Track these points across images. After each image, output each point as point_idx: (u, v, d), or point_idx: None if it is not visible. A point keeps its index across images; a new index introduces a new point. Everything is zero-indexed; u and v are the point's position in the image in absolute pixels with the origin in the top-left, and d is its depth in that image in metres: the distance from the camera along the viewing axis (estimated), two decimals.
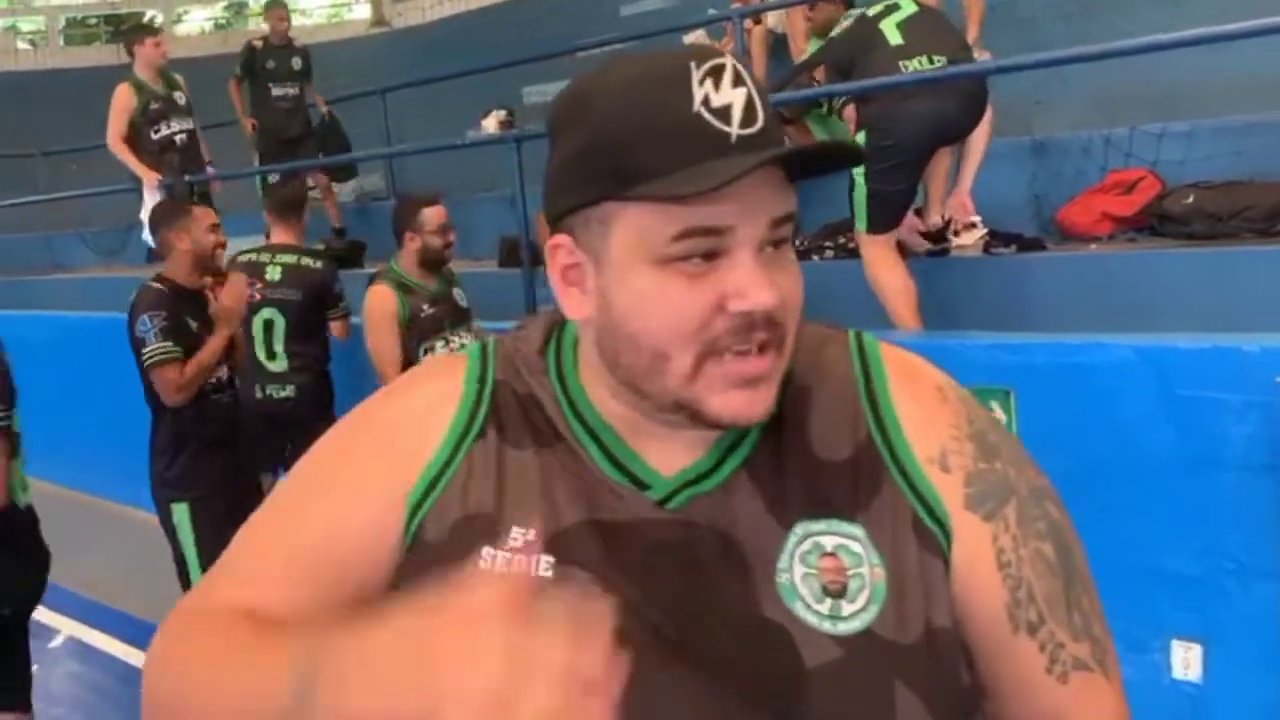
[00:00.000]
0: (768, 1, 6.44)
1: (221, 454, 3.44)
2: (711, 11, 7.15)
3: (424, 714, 0.53)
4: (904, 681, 0.72)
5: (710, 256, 0.71)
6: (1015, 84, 4.17)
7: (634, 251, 0.72)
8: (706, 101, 0.70)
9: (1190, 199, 4.09)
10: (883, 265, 3.67)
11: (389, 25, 14.90)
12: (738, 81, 0.71)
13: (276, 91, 7.01)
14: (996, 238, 4.35)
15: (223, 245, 3.55)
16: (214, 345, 3.39)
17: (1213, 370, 2.62)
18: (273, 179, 6.50)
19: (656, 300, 0.72)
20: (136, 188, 6.26)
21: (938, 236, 4.21)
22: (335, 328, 4.20)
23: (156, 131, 6.13)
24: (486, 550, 0.76)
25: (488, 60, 8.19)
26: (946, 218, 4.21)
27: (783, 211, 0.73)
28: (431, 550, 0.78)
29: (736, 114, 0.70)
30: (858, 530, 0.76)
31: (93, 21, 19.53)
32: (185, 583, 3.41)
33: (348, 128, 7.56)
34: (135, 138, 6.13)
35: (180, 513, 3.38)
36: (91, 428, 5.66)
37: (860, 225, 3.71)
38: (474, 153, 6.78)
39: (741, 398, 0.73)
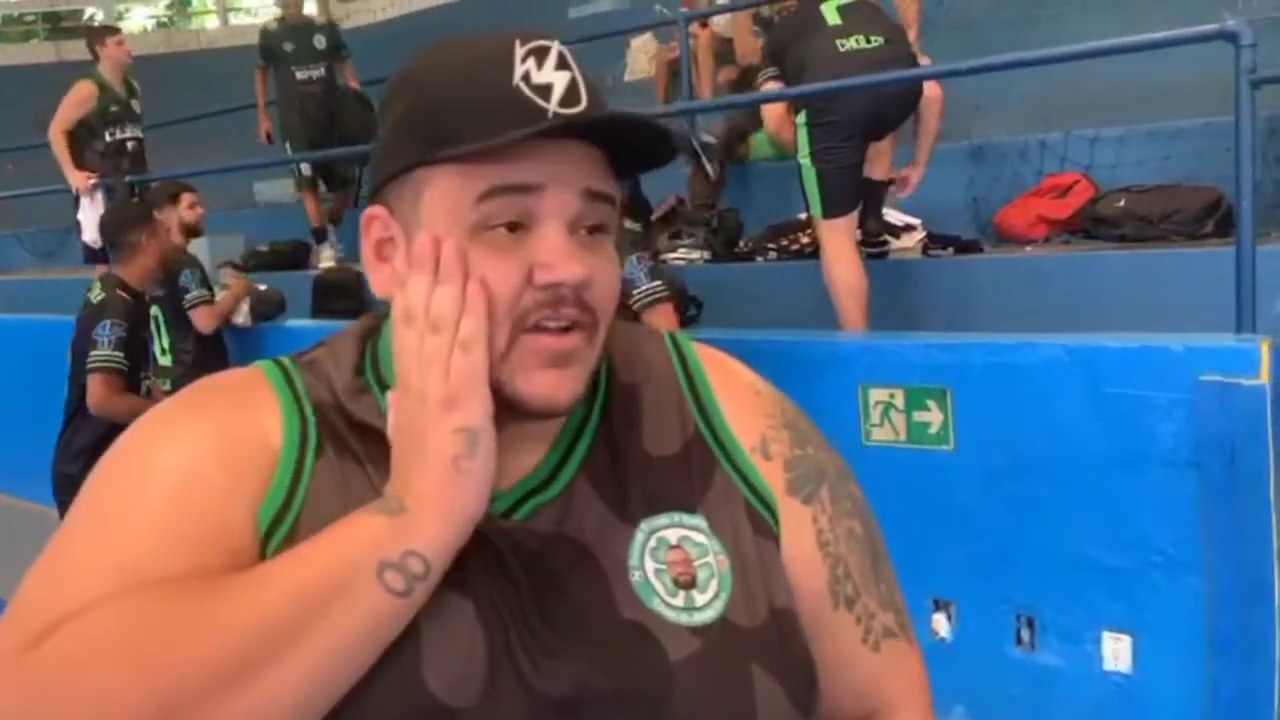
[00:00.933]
0: (715, 5, 6.48)
1: None
2: (659, 8, 7.17)
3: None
4: (758, 664, 0.74)
5: (517, 228, 0.70)
6: (954, 89, 4.24)
7: (443, 218, 0.70)
8: (527, 78, 0.70)
9: (1122, 202, 4.20)
10: (840, 259, 3.69)
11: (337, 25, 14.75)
12: (562, 65, 0.71)
13: (300, 75, 6.55)
14: (935, 240, 4.43)
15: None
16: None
17: (1140, 369, 2.69)
18: (306, 169, 6.35)
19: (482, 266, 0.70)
20: (69, 189, 6.13)
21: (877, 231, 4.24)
22: (196, 319, 4.15)
23: (112, 135, 5.99)
24: None
25: None
26: (892, 181, 4.19)
27: (599, 186, 0.72)
28: None
29: (557, 93, 0.70)
30: (699, 521, 0.77)
31: (30, 19, 19.12)
32: None
33: None
34: (85, 136, 5.98)
35: None
36: (23, 430, 5.54)
37: (815, 209, 3.73)
38: None
39: (549, 378, 0.71)
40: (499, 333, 0.70)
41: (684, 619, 0.74)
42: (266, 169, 8.45)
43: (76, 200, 6.06)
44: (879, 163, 3.96)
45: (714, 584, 0.75)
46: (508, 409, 0.72)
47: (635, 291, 3.22)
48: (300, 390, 0.78)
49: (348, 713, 0.67)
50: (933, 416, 3.00)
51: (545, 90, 0.70)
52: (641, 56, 8.14)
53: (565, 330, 0.71)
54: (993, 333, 3.21)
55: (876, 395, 3.09)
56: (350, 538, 0.68)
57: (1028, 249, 4.39)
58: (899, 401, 3.05)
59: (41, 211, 9.28)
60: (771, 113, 4.01)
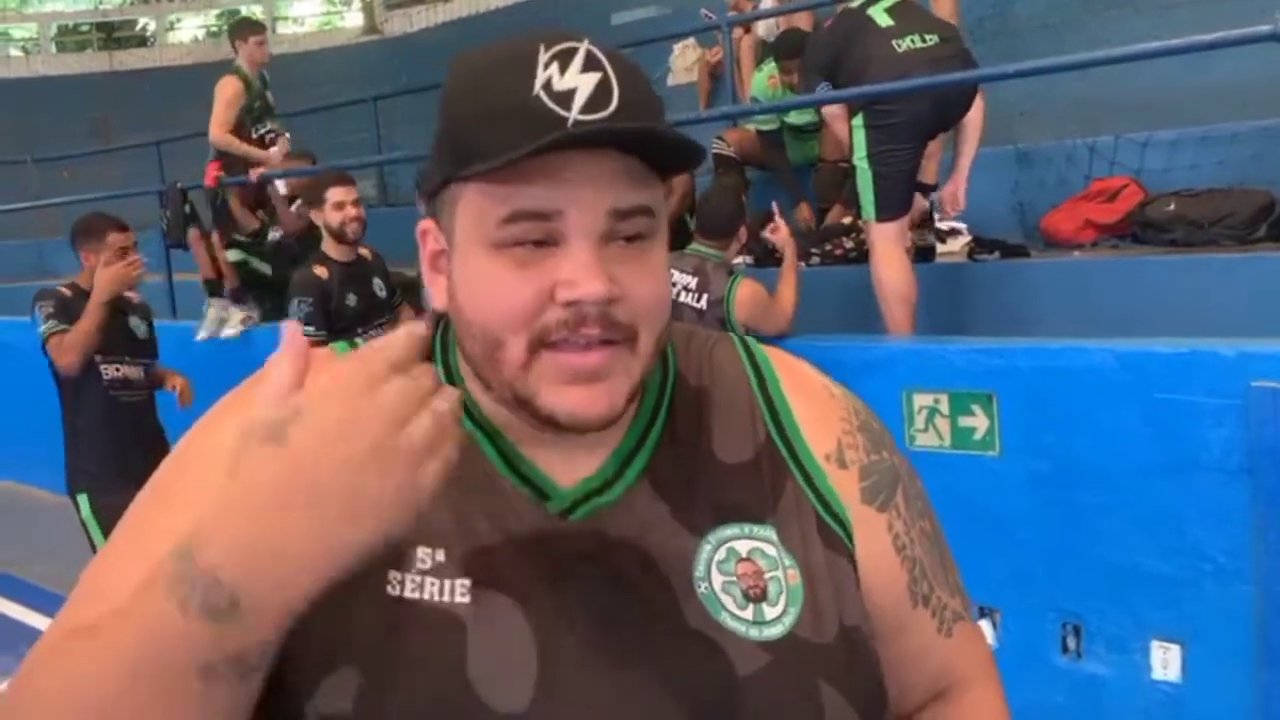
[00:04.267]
0: (759, 10, 6.48)
1: (128, 450, 3.50)
2: (704, 12, 7.18)
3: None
4: (827, 681, 0.72)
5: (543, 244, 0.68)
6: (1000, 94, 4.21)
7: (471, 235, 0.70)
8: (548, 85, 0.67)
9: (1172, 206, 4.14)
10: (889, 263, 3.66)
11: (380, 33, 14.92)
12: (590, 66, 0.68)
13: None
14: (981, 244, 4.40)
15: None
16: (90, 309, 3.48)
17: (1190, 374, 2.66)
18: None
19: (488, 285, 0.69)
20: (239, 179, 5.94)
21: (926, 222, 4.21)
22: None
23: (256, 130, 5.97)
24: (392, 575, 0.70)
25: None
26: (939, 201, 4.16)
27: (627, 203, 0.69)
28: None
29: (580, 99, 0.67)
30: (769, 533, 0.75)
31: (85, 29, 19.52)
32: None
33: (338, 135, 7.55)
34: (235, 132, 5.92)
35: (83, 504, 3.51)
36: None
37: (868, 212, 3.70)
38: None
39: (577, 394, 0.69)
40: (516, 345, 0.69)
41: (753, 633, 0.72)
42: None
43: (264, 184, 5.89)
44: (928, 164, 3.94)
45: (784, 598, 0.73)
46: (543, 423, 0.71)
47: None
48: None
49: (390, 714, 0.67)
50: (978, 422, 2.98)
51: (567, 97, 0.67)
52: (684, 61, 8.15)
53: (589, 347, 0.69)
54: (1040, 338, 3.18)
55: (920, 400, 3.08)
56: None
57: (1075, 254, 4.35)
58: (944, 406, 3.04)
59: None
60: (840, 122, 3.93)
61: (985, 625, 3.03)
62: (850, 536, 0.78)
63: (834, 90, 3.80)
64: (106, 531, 3.31)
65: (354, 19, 17.12)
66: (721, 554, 0.74)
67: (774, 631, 0.72)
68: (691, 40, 8.04)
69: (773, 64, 5.38)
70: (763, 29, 6.40)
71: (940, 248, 4.44)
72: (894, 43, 3.61)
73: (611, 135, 0.67)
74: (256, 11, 20.15)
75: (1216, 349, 2.64)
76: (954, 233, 4.51)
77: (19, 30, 20.13)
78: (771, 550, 0.75)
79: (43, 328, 3.52)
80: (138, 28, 19.66)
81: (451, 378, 0.78)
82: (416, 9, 14.05)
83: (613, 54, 0.70)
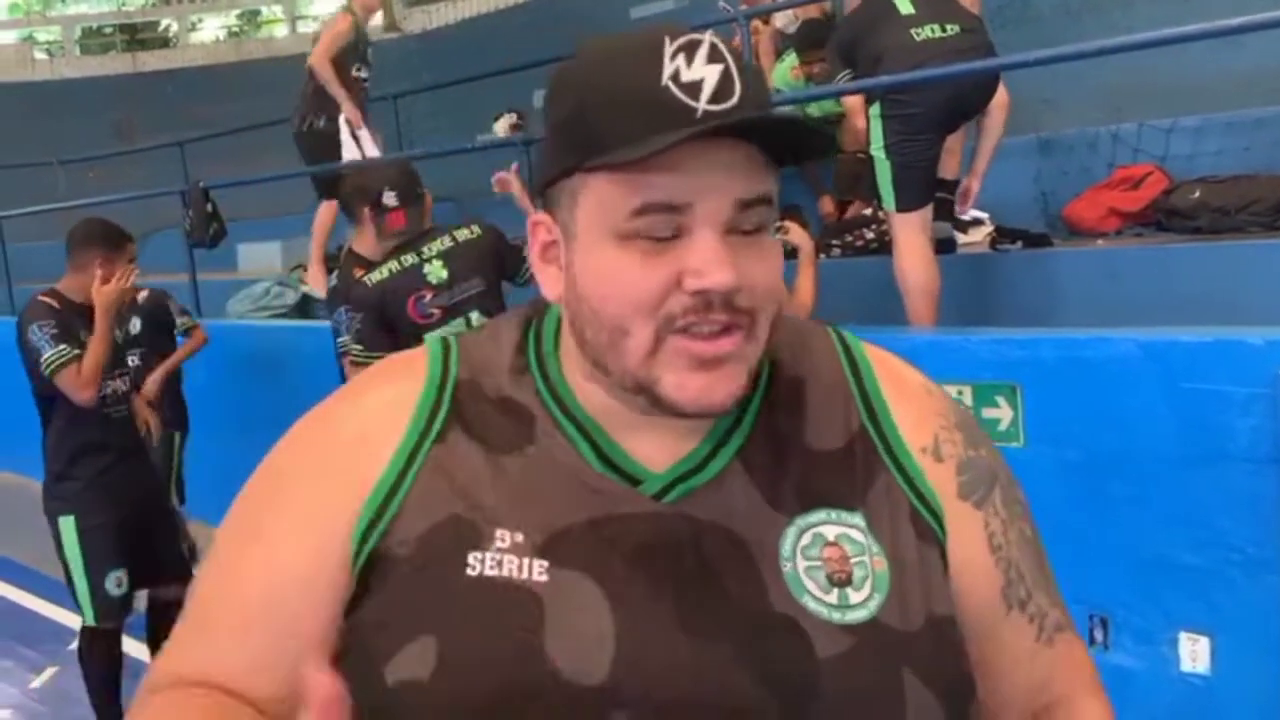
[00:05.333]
0: (777, 2, 6.45)
1: (113, 465, 3.35)
2: (723, 6, 7.16)
3: None
4: (911, 669, 0.72)
5: (670, 234, 0.70)
6: (1022, 81, 4.18)
7: (597, 225, 0.72)
8: (676, 76, 0.69)
9: (1197, 194, 4.10)
10: (912, 254, 3.63)
11: (400, 30, 14.96)
12: (714, 58, 0.70)
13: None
14: (1003, 234, 4.37)
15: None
16: (98, 333, 3.25)
17: (1217, 363, 2.63)
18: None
19: (615, 275, 0.71)
20: (326, 125, 5.96)
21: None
22: None
23: (357, 70, 5.96)
24: (473, 555, 0.73)
25: (498, 64, 8.23)
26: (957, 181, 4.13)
27: (751, 193, 0.71)
28: (404, 562, 0.74)
29: (707, 89, 0.69)
30: (858, 519, 0.76)
31: (108, 31, 19.68)
32: (73, 594, 3.32)
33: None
34: (337, 68, 5.86)
35: (68, 528, 3.28)
36: None
37: (889, 203, 3.67)
38: (485, 156, 6.83)
39: (699, 380, 0.71)
40: (642, 333, 0.71)
41: (835, 616, 0.72)
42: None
43: (339, 134, 5.90)
44: (950, 160, 3.90)
45: (869, 584, 0.74)
46: (662, 408, 0.73)
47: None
48: (451, 371, 0.81)
49: (466, 681, 0.69)
50: (1002, 413, 2.96)
51: (695, 87, 0.69)
52: None
53: (716, 335, 0.71)
54: (1064, 328, 3.16)
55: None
56: None
57: (1099, 242, 4.31)
58: (967, 398, 3.02)
59: (121, 218, 9.53)
60: (857, 111, 3.92)
61: None
62: (943, 529, 0.78)
63: (855, 78, 3.78)
64: (89, 552, 3.25)
65: (374, 17, 17.16)
66: (808, 538, 0.75)
67: (858, 616, 0.73)
68: (710, 33, 8.01)
69: (794, 55, 5.35)
70: (780, 20, 6.38)
71: (962, 238, 4.41)
72: (913, 31, 3.57)
73: (759, 125, 0.68)
74: (277, 11, 20.28)
75: (1244, 337, 2.61)
76: (976, 223, 4.48)
77: (43, 33, 20.32)
78: (859, 536, 0.75)
79: (49, 354, 3.18)
80: (160, 29, 19.79)
81: (544, 368, 0.80)
82: (436, 6, 14.07)
83: (730, 47, 0.71)
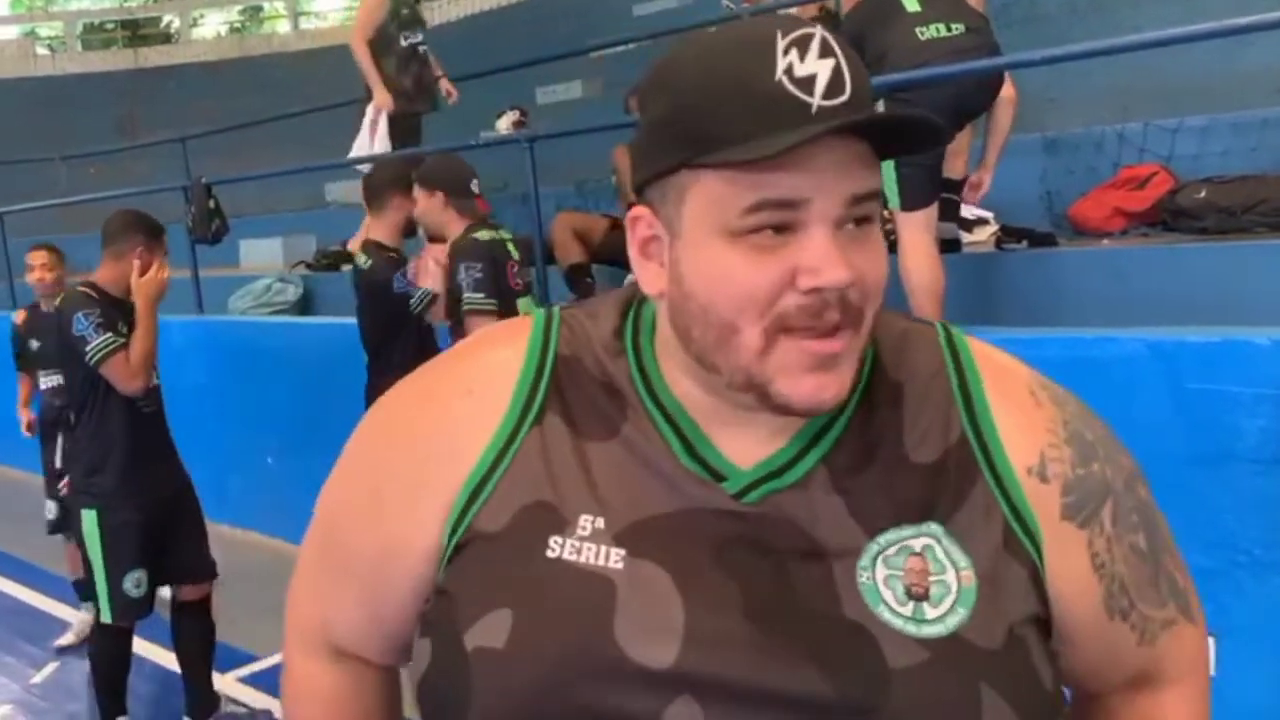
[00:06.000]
0: None
1: (143, 462, 3.32)
2: (727, 4, 7.15)
3: None
4: (990, 685, 0.71)
5: (783, 230, 0.70)
6: (1027, 80, 4.17)
7: (707, 222, 0.71)
8: (790, 71, 0.68)
9: (1203, 194, 4.08)
10: (916, 253, 3.62)
11: None
12: (826, 52, 0.69)
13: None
14: (1008, 233, 4.35)
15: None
16: (144, 324, 3.24)
17: (1224, 363, 2.62)
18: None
19: (727, 273, 0.70)
20: (359, 101, 5.81)
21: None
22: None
23: (406, 39, 5.69)
24: (554, 539, 0.75)
25: (501, 61, 8.23)
26: (966, 180, 4.12)
27: (864, 188, 0.70)
28: (490, 539, 0.77)
29: (820, 85, 0.68)
30: (945, 533, 0.75)
31: (110, 27, 19.68)
32: (91, 589, 3.31)
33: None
34: (382, 44, 5.64)
35: (89, 520, 3.27)
36: None
37: (893, 203, 3.66)
38: (487, 153, 6.82)
39: (812, 381, 0.71)
40: (752, 332, 0.71)
41: (910, 629, 0.72)
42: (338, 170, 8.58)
43: (363, 113, 5.73)
44: (955, 161, 3.88)
45: (949, 600, 0.73)
46: (771, 407, 0.73)
47: (462, 297, 3.43)
48: (552, 346, 0.82)
49: (536, 653, 0.72)
50: (1084, 405, 2.95)
51: (809, 83, 0.68)
52: None
53: (830, 333, 0.71)
54: (1069, 327, 3.15)
55: None
56: None
57: (1105, 242, 4.30)
58: None
59: None
60: None
61: None
62: (1039, 550, 0.77)
63: None
64: (109, 549, 3.23)
65: None
66: (892, 550, 0.74)
67: (935, 630, 0.72)
68: (820, 27, 8.00)
69: None
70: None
71: (967, 237, 4.39)
72: (917, 30, 3.56)
73: (881, 124, 0.69)
74: (279, 7, 20.27)
75: (1251, 338, 2.60)
76: (981, 222, 4.47)
77: (46, 29, 20.32)
78: (943, 552, 0.75)
79: (96, 342, 3.16)
80: (162, 25, 19.80)
81: (639, 354, 0.81)
82: (438, 2, 14.06)
83: (839, 40, 0.71)
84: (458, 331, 3.56)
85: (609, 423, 0.79)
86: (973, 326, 3.52)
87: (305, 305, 6.71)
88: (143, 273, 3.29)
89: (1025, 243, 4.28)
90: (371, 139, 5.56)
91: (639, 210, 0.77)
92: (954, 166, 3.88)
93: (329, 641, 0.90)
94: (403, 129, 5.59)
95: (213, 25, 20.15)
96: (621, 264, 4.94)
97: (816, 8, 5.77)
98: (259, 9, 20.77)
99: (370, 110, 5.62)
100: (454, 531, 0.78)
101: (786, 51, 0.69)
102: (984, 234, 4.44)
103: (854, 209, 0.70)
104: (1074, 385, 2.84)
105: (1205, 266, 3.75)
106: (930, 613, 0.73)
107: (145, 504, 3.30)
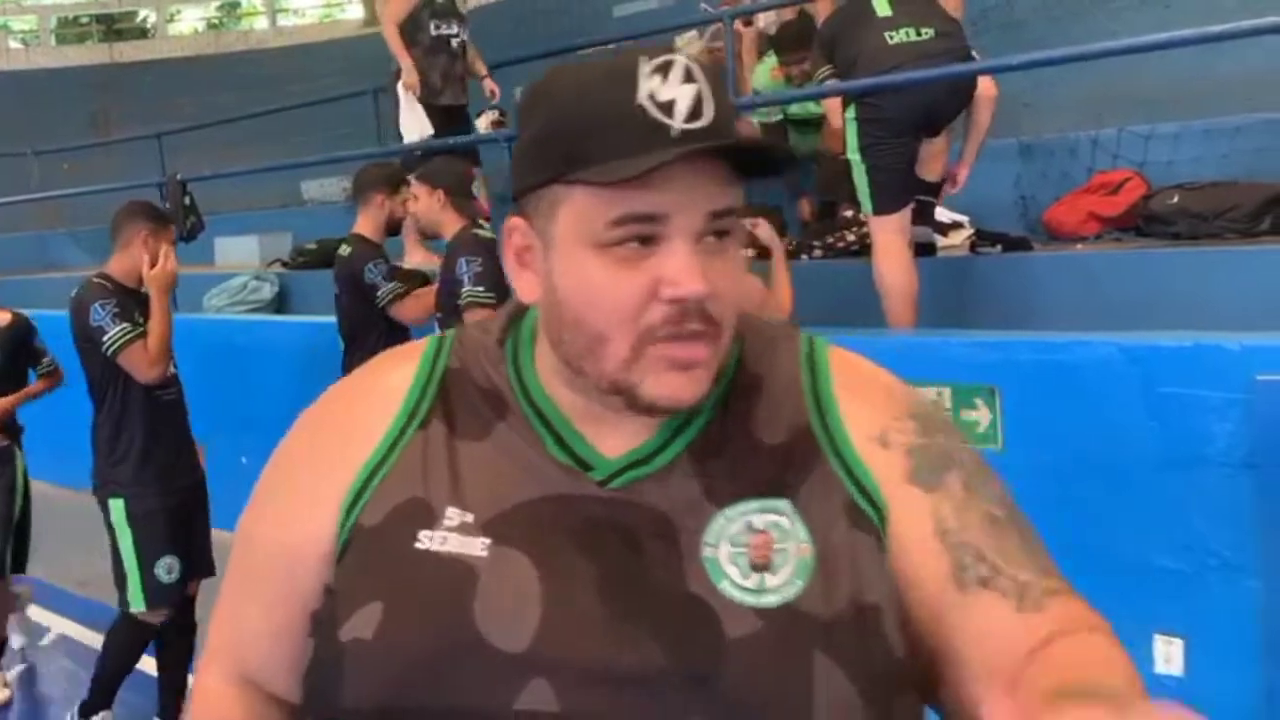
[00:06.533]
0: (759, 2, 6.46)
1: (164, 450, 3.35)
2: (704, 7, 7.16)
3: None
4: (824, 652, 0.74)
5: (647, 242, 0.75)
6: (1003, 85, 4.20)
7: (576, 235, 0.76)
8: (652, 95, 0.73)
9: (1175, 199, 4.12)
10: (889, 256, 3.63)
11: (381, 25, 14.91)
12: (687, 79, 0.74)
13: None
14: (983, 237, 4.38)
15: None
16: (158, 313, 3.27)
17: (1195, 367, 2.65)
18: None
19: (595, 284, 0.76)
20: (387, 88, 5.71)
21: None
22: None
23: (436, 28, 5.54)
24: (424, 533, 0.79)
25: None
26: (939, 184, 4.14)
27: (722, 205, 0.76)
28: (368, 535, 0.81)
29: (682, 109, 0.74)
30: (787, 507, 0.79)
31: (85, 21, 19.49)
32: (120, 579, 3.31)
33: (336, 127, 7.47)
34: (412, 30, 5.48)
35: (117, 509, 3.30)
36: (81, 424, 5.66)
37: (867, 206, 3.68)
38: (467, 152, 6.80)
39: (675, 382, 0.77)
40: (621, 341, 0.76)
41: (749, 599, 0.75)
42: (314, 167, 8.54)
43: (398, 100, 5.55)
44: (934, 163, 3.90)
45: (788, 570, 0.76)
46: (636, 407, 0.78)
47: (461, 290, 3.44)
48: (442, 360, 0.88)
49: (402, 641, 0.76)
50: (980, 415, 2.97)
51: (669, 107, 0.73)
52: (686, 55, 8.12)
53: (692, 340, 0.76)
54: (1043, 331, 3.17)
55: (922, 394, 3.07)
56: None
57: (1078, 246, 4.33)
58: (946, 400, 3.03)
59: (96, 210, 9.45)
60: (835, 111, 3.93)
61: None
62: (884, 519, 0.79)
63: (835, 74, 3.78)
64: (140, 537, 3.26)
65: (354, 11, 17.10)
66: (737, 525, 0.78)
67: (772, 599, 0.75)
68: (694, 32, 8.02)
69: (774, 57, 5.36)
70: (763, 21, 6.38)
71: (942, 241, 4.42)
72: (887, 34, 3.58)
73: (735, 150, 0.74)
74: (256, 3, 20.13)
75: (1221, 342, 2.62)
76: (956, 225, 4.49)
77: (19, 22, 20.09)
78: (786, 524, 0.78)
79: (113, 332, 3.20)
80: (138, 20, 19.61)
81: (519, 364, 0.86)
82: None
83: (703, 66, 0.76)
84: (451, 324, 3.55)
85: (485, 424, 0.84)
86: (946, 329, 3.56)
87: (281, 303, 6.67)
88: (152, 264, 3.32)
89: (1000, 247, 4.31)
90: (413, 117, 5.45)
91: (515, 221, 0.82)
92: (931, 169, 3.90)
93: (240, 665, 0.92)
94: (435, 118, 5.45)
95: (190, 21, 20.00)
96: None
97: (794, 11, 5.79)
98: (236, 5, 20.63)
99: (400, 89, 5.52)
100: (342, 530, 0.82)
101: (649, 78, 0.74)
102: (959, 238, 4.47)
103: (713, 224, 0.76)
104: (1047, 388, 2.87)
105: (1177, 271, 3.79)
106: (770, 582, 0.76)
107: (169, 491, 3.33)
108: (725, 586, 0.76)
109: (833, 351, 0.88)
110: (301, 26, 17.78)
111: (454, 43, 5.56)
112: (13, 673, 4.03)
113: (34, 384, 4.06)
